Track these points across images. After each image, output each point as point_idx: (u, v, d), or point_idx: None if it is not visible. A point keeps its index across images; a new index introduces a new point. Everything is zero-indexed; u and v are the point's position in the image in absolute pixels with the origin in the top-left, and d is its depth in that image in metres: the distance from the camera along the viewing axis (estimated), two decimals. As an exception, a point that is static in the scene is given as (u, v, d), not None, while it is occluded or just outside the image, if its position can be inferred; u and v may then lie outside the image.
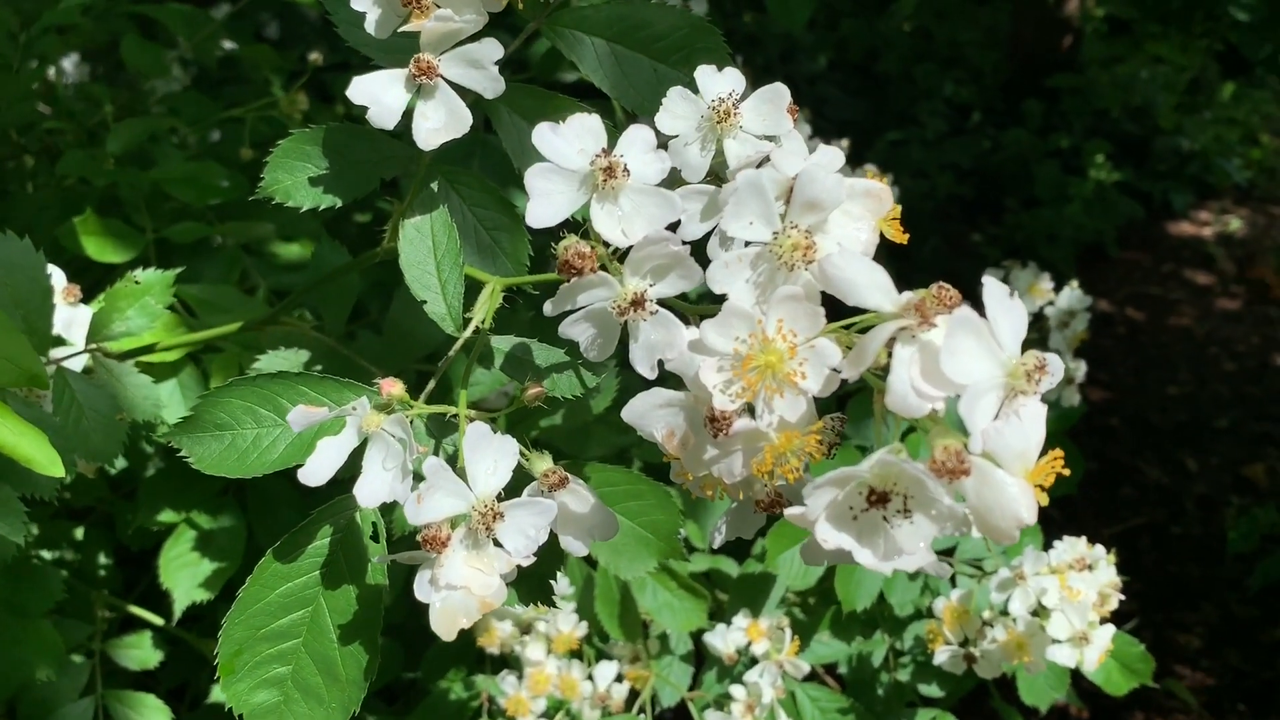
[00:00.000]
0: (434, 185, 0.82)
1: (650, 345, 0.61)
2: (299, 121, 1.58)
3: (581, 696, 1.42)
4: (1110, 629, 1.30)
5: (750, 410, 0.59)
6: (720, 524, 0.68)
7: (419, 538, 0.62)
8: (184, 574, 1.31)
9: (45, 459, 0.73)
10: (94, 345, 1.02)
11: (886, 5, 5.74)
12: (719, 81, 0.72)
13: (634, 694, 1.47)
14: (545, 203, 0.62)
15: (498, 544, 0.64)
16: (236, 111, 1.57)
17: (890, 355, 0.56)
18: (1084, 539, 1.39)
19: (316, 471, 0.64)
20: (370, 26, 0.73)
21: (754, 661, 1.47)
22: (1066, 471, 0.57)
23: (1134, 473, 3.73)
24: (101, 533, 1.55)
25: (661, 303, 0.62)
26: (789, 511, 0.59)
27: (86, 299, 1.10)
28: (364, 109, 0.75)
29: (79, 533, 1.51)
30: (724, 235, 0.69)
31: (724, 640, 1.45)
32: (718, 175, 0.72)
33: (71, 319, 1.06)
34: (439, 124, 0.73)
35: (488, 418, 0.70)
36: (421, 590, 0.63)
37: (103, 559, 1.51)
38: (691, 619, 1.38)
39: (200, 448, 0.75)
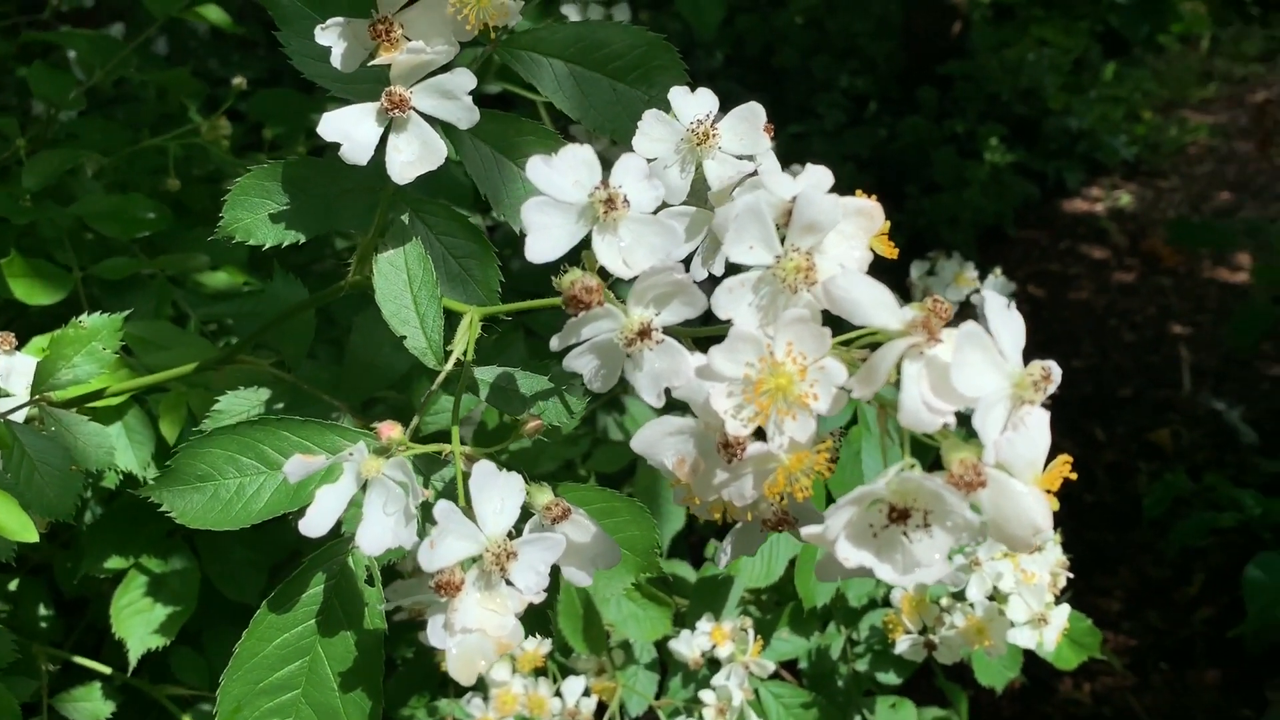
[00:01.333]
0: (404, 217, 0.81)
1: (655, 374, 0.61)
2: (226, 148, 1.54)
3: (550, 713, 1.41)
4: (1066, 608, 1.34)
5: (759, 433, 0.60)
6: (726, 545, 0.68)
7: (432, 584, 0.61)
8: (137, 621, 1.27)
9: (17, 524, 0.70)
10: (38, 395, 0.98)
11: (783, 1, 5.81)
12: (694, 103, 0.72)
13: (602, 706, 1.47)
14: (544, 236, 0.61)
15: (508, 583, 0.63)
16: (157, 140, 1.52)
17: (899, 372, 0.57)
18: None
19: (317, 522, 0.63)
20: (336, 61, 0.71)
21: (716, 664, 1.48)
22: (1074, 476, 0.59)
23: (1046, 445, 3.84)
24: (38, 583, 1.49)
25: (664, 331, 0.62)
26: (806, 531, 0.60)
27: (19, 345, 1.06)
28: (329, 142, 0.74)
29: (13, 584, 1.46)
30: (705, 255, 0.69)
31: (689, 646, 1.45)
32: (698, 195, 0.73)
33: (10, 368, 1.02)
34: (412, 157, 0.72)
35: (483, 454, 0.69)
36: (436, 636, 0.62)
37: (42, 610, 1.45)
38: (657, 628, 1.38)
39: (182, 501, 0.73)
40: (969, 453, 0.57)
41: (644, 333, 0.60)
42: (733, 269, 0.60)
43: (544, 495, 0.68)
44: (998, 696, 3.03)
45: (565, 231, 0.62)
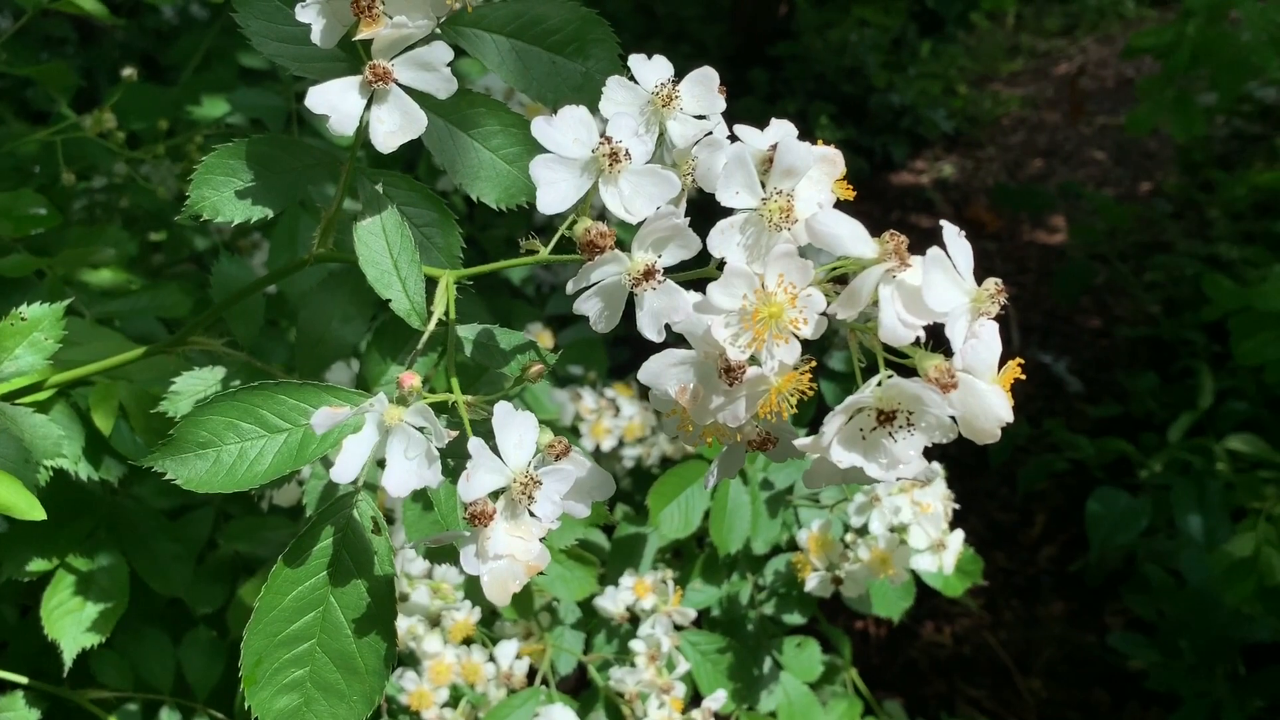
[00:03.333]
0: (378, 187, 0.84)
1: (656, 312, 0.67)
2: (120, 141, 1.51)
3: (485, 679, 1.45)
4: (960, 534, 1.47)
5: (753, 360, 0.67)
6: (713, 469, 0.75)
7: (466, 515, 0.65)
8: (68, 621, 1.25)
9: (25, 504, 0.71)
10: (-21, 390, 0.97)
11: (610, -15, 5.89)
12: (653, 69, 0.78)
13: (532, 669, 1.52)
14: (551, 190, 0.66)
15: (531, 513, 0.68)
16: (41, 135, 1.48)
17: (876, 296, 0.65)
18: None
19: (346, 469, 0.67)
20: (316, 37, 0.75)
21: (635, 621, 1.55)
22: (1023, 376, 0.68)
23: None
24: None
25: (660, 272, 0.68)
26: (800, 441, 0.67)
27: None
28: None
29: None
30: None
31: (614, 601, 1.52)
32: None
33: (-57, 366, 1.00)
34: (394, 127, 0.76)
35: (482, 401, 0.74)
36: (469, 564, 0.67)
37: (-49, 624, 1.41)
38: (584, 586, 1.44)
39: (185, 469, 0.75)
40: (941, 359, 0.65)
41: (648, 273, 0.66)
42: (722, 213, 0.67)
43: (545, 435, 0.73)
44: (867, 643, 3.19)
45: (571, 185, 0.67)
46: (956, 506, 1.55)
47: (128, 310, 1.49)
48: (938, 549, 1.43)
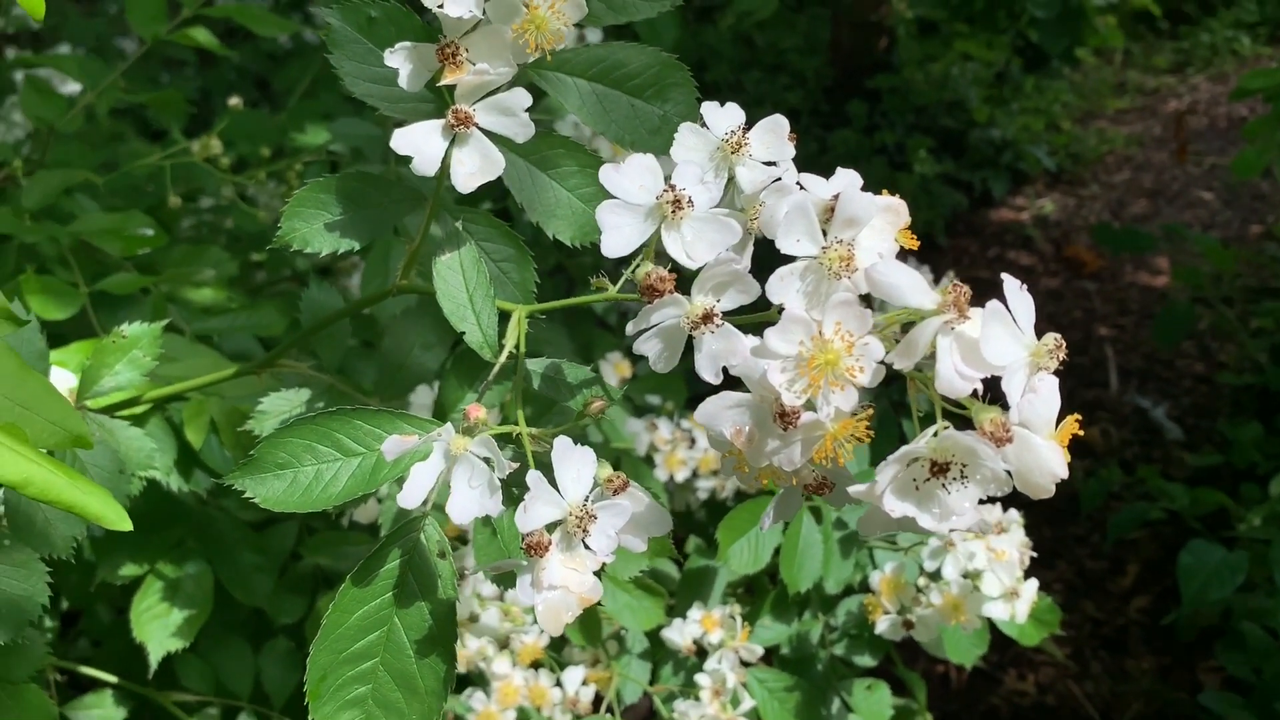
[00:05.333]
0: (457, 224, 0.88)
1: (714, 354, 0.69)
2: (225, 166, 1.59)
3: (552, 703, 1.47)
4: (1034, 583, 1.45)
5: (809, 405, 0.68)
6: (769, 510, 0.76)
7: (523, 545, 0.68)
8: (155, 626, 1.31)
9: (114, 515, 0.75)
10: (81, 403, 1.03)
11: (708, 16, 5.94)
12: (724, 116, 0.80)
13: (598, 696, 1.54)
14: (616, 235, 0.69)
15: (586, 546, 0.70)
16: (151, 160, 1.56)
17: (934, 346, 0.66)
18: (998, 505, 1.53)
19: (413, 494, 0.70)
20: (403, 81, 0.78)
21: (703, 654, 1.56)
22: (1082, 433, 0.68)
23: (985, 446, 3.97)
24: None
25: (719, 316, 0.69)
26: (854, 489, 0.68)
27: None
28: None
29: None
30: (737, 250, 0.77)
31: (681, 634, 1.53)
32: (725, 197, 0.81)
33: (53, 380, 1.06)
34: (474, 168, 0.79)
35: (548, 434, 0.76)
36: (524, 593, 0.69)
37: (48, 622, 1.48)
38: (651, 617, 1.45)
39: (264, 488, 0.79)
40: (995, 413, 0.65)
41: (707, 317, 0.68)
42: (782, 260, 0.68)
43: (604, 470, 0.75)
44: (947, 688, 3.13)
45: (635, 230, 0.69)
46: (1034, 554, 1.53)
47: (226, 328, 1.56)
48: (1010, 597, 1.42)
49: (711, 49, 5.80)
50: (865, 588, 1.62)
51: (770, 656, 1.72)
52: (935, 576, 1.49)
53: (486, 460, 0.70)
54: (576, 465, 0.70)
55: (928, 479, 0.66)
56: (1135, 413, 4.16)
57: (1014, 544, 1.47)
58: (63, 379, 1.06)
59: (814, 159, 5.34)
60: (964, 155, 5.71)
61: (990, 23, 5.46)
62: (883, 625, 1.51)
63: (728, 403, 0.69)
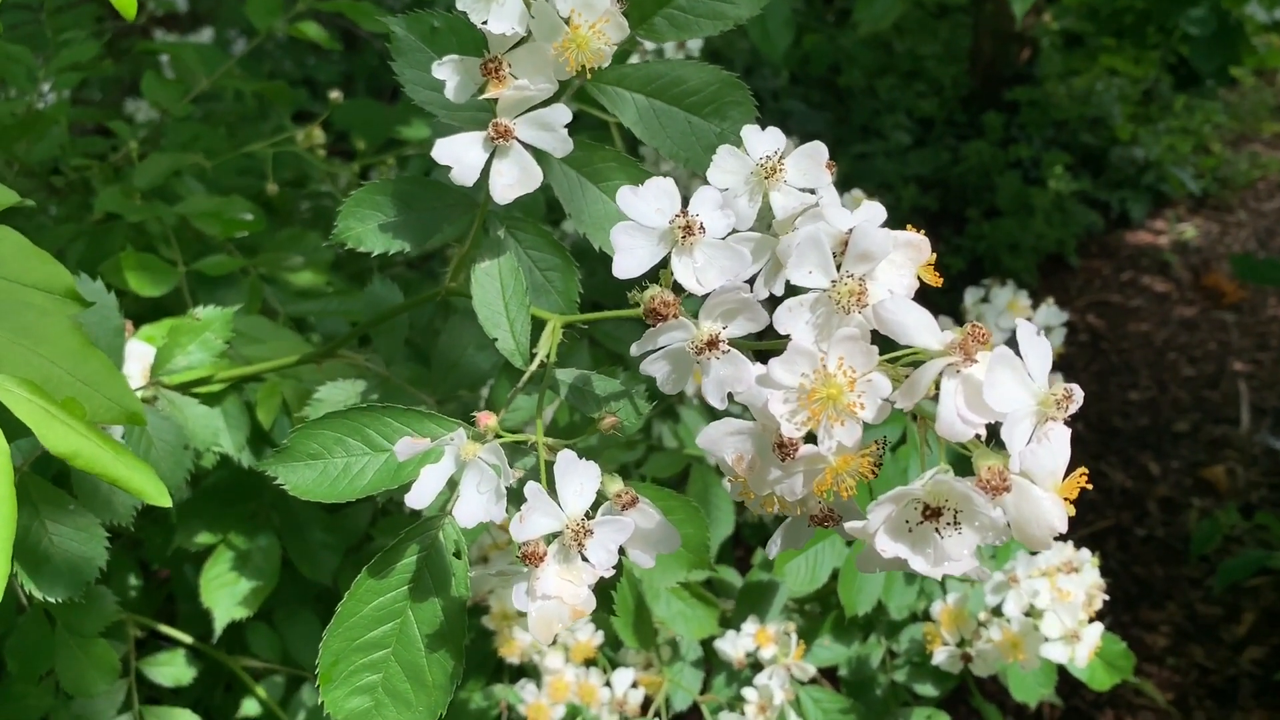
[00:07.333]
0: (500, 232, 0.90)
1: (720, 380, 0.69)
2: (322, 157, 1.65)
3: (600, 702, 1.49)
4: (1099, 627, 1.40)
5: (811, 437, 0.68)
6: (776, 537, 0.76)
7: (519, 554, 0.69)
8: (223, 593, 1.37)
9: (155, 491, 0.79)
10: (155, 379, 1.08)
11: (847, 19, 5.87)
12: (764, 141, 0.80)
13: (648, 700, 1.55)
14: (629, 256, 0.70)
15: (584, 558, 0.71)
16: (255, 146, 1.63)
17: (938, 388, 0.65)
18: (1070, 543, 1.48)
19: (421, 495, 0.72)
20: (449, 93, 0.81)
21: (759, 666, 1.55)
22: (1089, 486, 0.66)
23: (1099, 476, 3.84)
24: (128, 556, 1.60)
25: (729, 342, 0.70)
26: (848, 525, 0.68)
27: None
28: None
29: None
30: (768, 277, 0.77)
31: (734, 646, 1.52)
32: (763, 222, 0.81)
33: (130, 354, 1.12)
34: (513, 180, 0.81)
35: (562, 445, 0.78)
36: (519, 600, 0.70)
37: (132, 580, 1.56)
38: (704, 626, 1.46)
39: (294, 476, 0.82)
40: (996, 460, 0.64)
41: (712, 343, 0.68)
42: (792, 290, 0.68)
43: (614, 484, 0.76)
44: (1037, 725, 3.04)
45: (647, 252, 0.70)
46: (1106, 598, 1.48)
47: (319, 311, 1.61)
48: (1071, 639, 1.37)
49: (846, 53, 5.73)
50: (929, 616, 1.59)
51: (834, 680, 1.70)
52: (997, 611, 1.45)
53: (495, 467, 0.72)
54: (579, 479, 0.71)
55: (921, 522, 0.65)
56: (1266, 454, 3.97)
57: (1083, 585, 1.43)
58: (143, 353, 1.12)
59: (946, 169, 5.23)
60: (1103, 174, 5.51)
61: (1140, 38, 5.26)
62: (940, 656, 1.48)
63: (729, 429, 0.69)
